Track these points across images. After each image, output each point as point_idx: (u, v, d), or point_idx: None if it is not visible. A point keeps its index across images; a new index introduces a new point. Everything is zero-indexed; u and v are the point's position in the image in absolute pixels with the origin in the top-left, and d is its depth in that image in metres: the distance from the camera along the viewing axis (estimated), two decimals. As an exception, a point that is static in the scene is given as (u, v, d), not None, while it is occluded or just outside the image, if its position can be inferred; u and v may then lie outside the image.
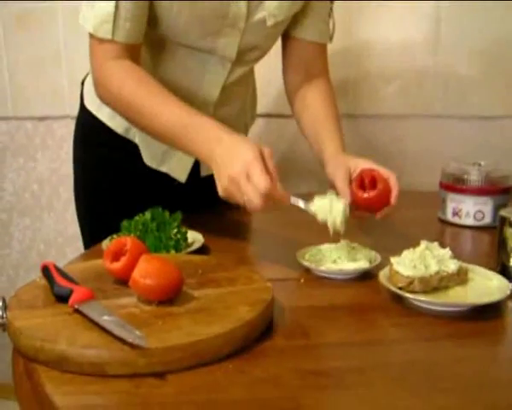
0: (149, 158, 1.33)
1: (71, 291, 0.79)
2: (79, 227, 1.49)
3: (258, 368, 0.70)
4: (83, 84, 1.48)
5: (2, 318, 0.78)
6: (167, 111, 1.06)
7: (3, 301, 0.80)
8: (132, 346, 0.67)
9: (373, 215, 1.06)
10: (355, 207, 1.05)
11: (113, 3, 1.06)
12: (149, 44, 1.18)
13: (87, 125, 1.42)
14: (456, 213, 1.31)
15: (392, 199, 1.03)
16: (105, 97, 1.15)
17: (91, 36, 1.12)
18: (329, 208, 0.98)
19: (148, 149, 1.32)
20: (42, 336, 0.71)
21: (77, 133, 1.46)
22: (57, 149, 2.31)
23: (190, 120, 1.03)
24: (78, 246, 2.34)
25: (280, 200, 0.96)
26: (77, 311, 0.76)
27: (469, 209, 1.29)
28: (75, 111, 2.15)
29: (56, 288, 0.81)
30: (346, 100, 1.89)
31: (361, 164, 1.08)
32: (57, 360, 0.68)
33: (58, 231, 2.40)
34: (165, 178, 1.34)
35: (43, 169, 2.36)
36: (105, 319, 0.72)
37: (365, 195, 1.03)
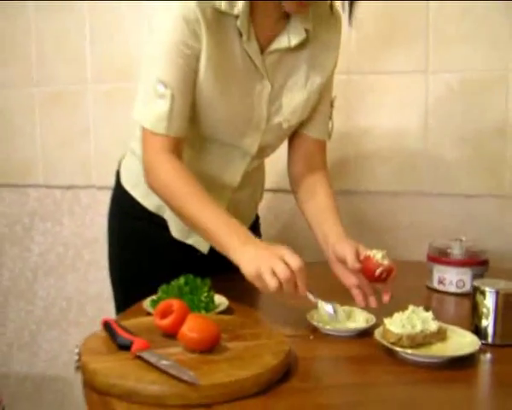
0: (177, 232, 1.53)
1: (131, 342, 1.00)
2: (112, 289, 1.65)
3: (281, 403, 0.91)
4: (119, 163, 1.67)
5: (78, 361, 0.99)
6: (205, 215, 1.25)
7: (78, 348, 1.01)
8: (187, 383, 0.88)
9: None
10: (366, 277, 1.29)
11: (168, 104, 1.27)
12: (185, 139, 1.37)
13: (122, 200, 1.61)
14: (441, 282, 1.51)
15: (377, 272, 1.25)
16: (153, 186, 1.33)
17: (145, 129, 1.32)
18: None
19: (176, 224, 1.51)
20: (114, 375, 0.92)
21: (112, 206, 1.66)
22: (82, 216, 2.51)
23: (225, 227, 1.23)
24: (98, 305, 2.55)
25: (302, 287, 1.14)
26: (138, 357, 0.97)
27: (452, 278, 1.49)
28: (100, 182, 2.40)
29: (119, 339, 1.01)
30: (346, 177, 2.09)
31: (362, 248, 1.30)
32: (127, 393, 0.89)
33: (79, 290, 2.56)
34: (191, 249, 1.54)
35: (69, 233, 2.55)
36: (163, 363, 0.93)
37: (377, 271, 1.26)
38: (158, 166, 1.31)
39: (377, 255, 1.27)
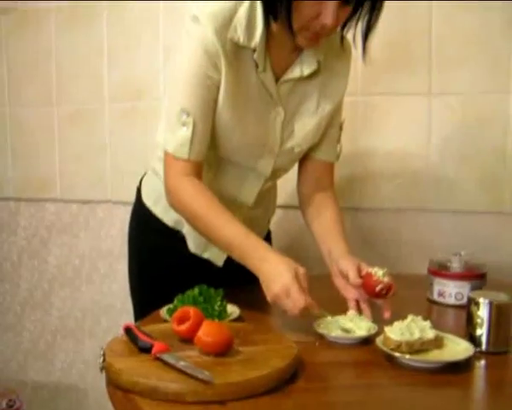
0: (194, 246, 1.62)
1: (152, 345, 1.09)
2: (131, 299, 1.74)
3: (289, 401, 1.00)
4: (141, 181, 1.76)
5: (103, 362, 1.08)
6: (228, 231, 1.35)
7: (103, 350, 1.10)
8: (203, 382, 0.97)
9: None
10: (367, 293, 1.38)
11: (190, 130, 1.36)
12: (204, 161, 1.46)
13: (142, 215, 1.70)
14: (440, 294, 1.58)
15: (377, 288, 1.34)
16: (175, 206, 1.43)
17: (167, 153, 1.41)
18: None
19: (193, 239, 1.61)
20: (137, 374, 1.01)
21: (132, 221, 1.76)
22: (98, 229, 2.61)
23: (245, 242, 1.33)
24: (112, 316, 2.64)
25: (310, 308, 1.26)
26: (158, 359, 1.06)
27: (451, 291, 1.56)
28: (116, 197, 2.50)
29: (140, 342, 1.10)
30: (352, 195, 2.17)
31: (364, 265, 1.39)
32: (150, 391, 0.98)
33: (94, 301, 2.66)
34: (206, 262, 1.63)
35: (85, 246, 2.64)
36: (181, 364, 1.02)
37: (378, 288, 1.34)
38: (181, 188, 1.40)
39: (378, 273, 1.35)
